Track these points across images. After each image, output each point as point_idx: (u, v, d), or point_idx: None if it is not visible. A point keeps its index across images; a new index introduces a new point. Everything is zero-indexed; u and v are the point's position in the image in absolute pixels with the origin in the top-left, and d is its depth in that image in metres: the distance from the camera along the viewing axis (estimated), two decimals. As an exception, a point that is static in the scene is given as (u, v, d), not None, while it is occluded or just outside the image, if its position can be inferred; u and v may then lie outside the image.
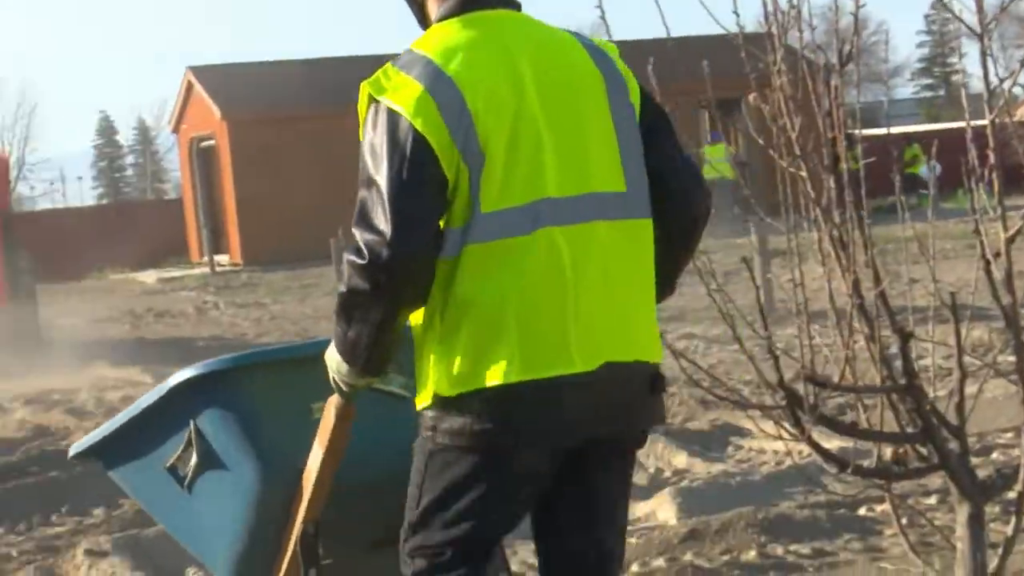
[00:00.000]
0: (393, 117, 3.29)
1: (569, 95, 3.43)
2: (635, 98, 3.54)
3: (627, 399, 3.46)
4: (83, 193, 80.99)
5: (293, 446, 3.91)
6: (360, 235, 3.28)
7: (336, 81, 29.32)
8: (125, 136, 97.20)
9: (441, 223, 3.33)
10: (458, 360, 3.33)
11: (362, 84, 3.37)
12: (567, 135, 3.40)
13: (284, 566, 3.99)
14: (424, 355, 3.40)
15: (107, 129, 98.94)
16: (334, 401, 3.71)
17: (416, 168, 3.27)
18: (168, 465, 4.17)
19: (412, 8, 3.61)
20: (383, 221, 3.24)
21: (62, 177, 78.92)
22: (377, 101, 3.34)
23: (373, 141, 3.32)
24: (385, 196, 3.25)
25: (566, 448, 3.44)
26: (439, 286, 3.35)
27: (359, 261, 3.26)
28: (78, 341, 18.40)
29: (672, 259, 3.64)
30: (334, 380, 3.57)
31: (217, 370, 4.07)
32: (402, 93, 3.31)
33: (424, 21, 3.57)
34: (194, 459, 4.10)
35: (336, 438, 3.74)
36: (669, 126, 3.61)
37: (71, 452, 4.64)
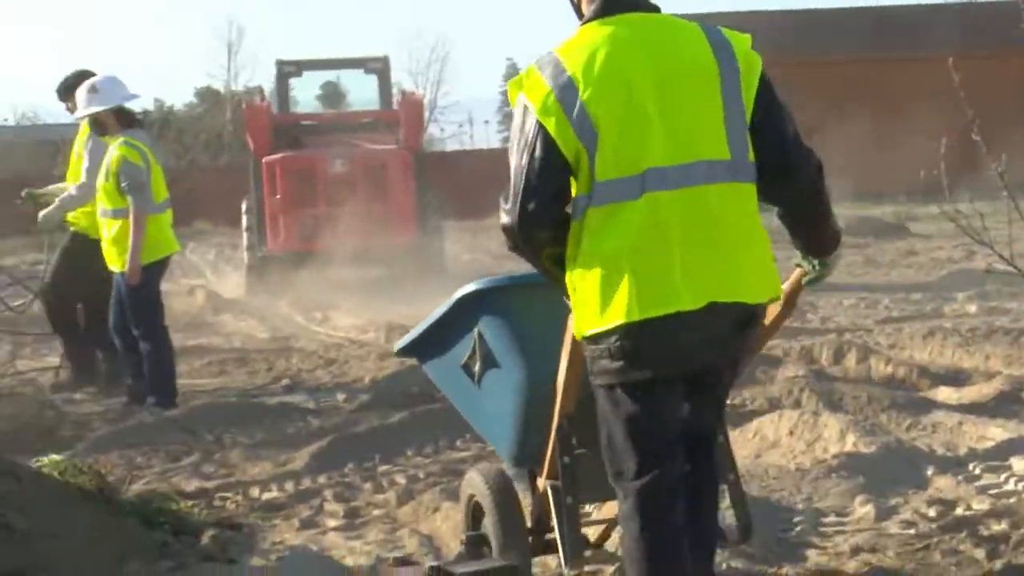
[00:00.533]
0: (526, 111, 4.13)
1: (684, 81, 4.13)
2: (750, 83, 4.18)
3: (727, 333, 4.16)
4: (489, 136, 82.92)
5: (553, 353, 4.58)
6: (501, 203, 4.16)
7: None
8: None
9: (573, 191, 4.12)
10: (590, 305, 4.10)
11: (510, 82, 4.19)
12: (678, 116, 4.10)
13: (548, 453, 4.81)
14: (570, 303, 4.19)
15: (513, 76, 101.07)
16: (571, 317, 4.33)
17: (537, 155, 4.09)
18: (462, 363, 5.09)
19: (574, 10, 4.37)
20: (510, 196, 4.12)
21: (470, 120, 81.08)
22: (519, 95, 4.18)
23: (513, 127, 4.18)
24: (512, 175, 4.11)
25: (685, 374, 4.19)
26: (572, 244, 4.14)
27: (500, 223, 4.18)
28: (480, 275, 18.99)
29: (805, 221, 4.35)
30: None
31: (494, 287, 4.93)
32: (534, 92, 4.14)
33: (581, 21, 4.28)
34: (479, 360, 4.99)
35: (573, 348, 4.41)
36: (782, 111, 4.23)
37: (394, 349, 5.61)
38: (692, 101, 4.11)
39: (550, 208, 4.12)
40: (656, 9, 4.27)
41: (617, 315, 4.02)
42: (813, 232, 4.38)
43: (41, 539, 5.99)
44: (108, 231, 10.00)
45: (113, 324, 10.18)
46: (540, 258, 4.21)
